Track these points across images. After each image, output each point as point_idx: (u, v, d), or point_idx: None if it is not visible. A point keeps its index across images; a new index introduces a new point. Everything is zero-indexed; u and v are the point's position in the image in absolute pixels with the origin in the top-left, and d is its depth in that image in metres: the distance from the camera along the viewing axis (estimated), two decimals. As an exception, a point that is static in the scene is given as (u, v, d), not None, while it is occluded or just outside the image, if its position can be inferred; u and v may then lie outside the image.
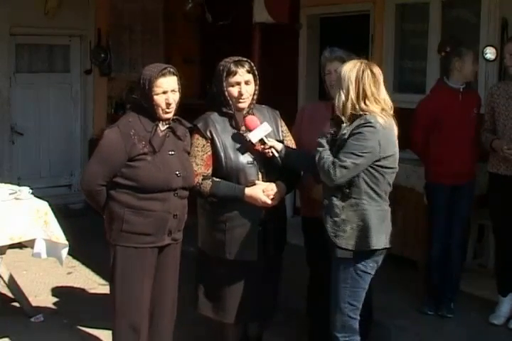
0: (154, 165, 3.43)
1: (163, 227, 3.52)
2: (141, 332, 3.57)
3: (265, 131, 3.58)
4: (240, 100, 3.64)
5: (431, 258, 4.98)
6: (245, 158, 3.63)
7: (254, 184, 3.61)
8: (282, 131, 3.82)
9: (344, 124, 3.35)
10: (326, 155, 3.33)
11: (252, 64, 3.69)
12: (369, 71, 3.32)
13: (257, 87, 3.69)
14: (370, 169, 3.31)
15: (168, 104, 3.46)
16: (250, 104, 3.69)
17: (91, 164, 3.54)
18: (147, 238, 3.49)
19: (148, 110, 3.47)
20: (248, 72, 3.64)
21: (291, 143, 3.83)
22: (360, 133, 3.26)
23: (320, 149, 3.38)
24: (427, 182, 5.01)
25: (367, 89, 3.31)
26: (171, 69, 3.49)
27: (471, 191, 4.96)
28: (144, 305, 3.57)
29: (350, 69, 3.32)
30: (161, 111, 3.47)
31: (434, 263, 4.95)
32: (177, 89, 3.50)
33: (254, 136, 3.56)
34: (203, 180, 3.62)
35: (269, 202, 3.59)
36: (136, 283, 3.52)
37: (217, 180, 3.63)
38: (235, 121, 3.66)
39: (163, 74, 3.44)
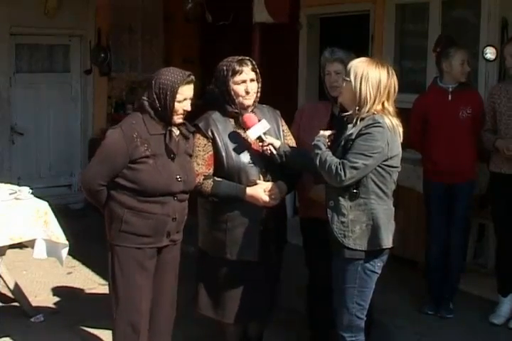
0: (155, 169, 3.42)
1: (162, 230, 3.52)
2: (141, 331, 3.57)
3: (264, 128, 3.58)
4: (246, 97, 3.65)
5: (429, 258, 4.98)
6: (246, 158, 3.63)
7: (256, 184, 3.61)
8: (283, 131, 3.82)
9: (350, 124, 3.34)
10: (329, 156, 3.30)
11: (254, 62, 3.71)
12: (395, 74, 3.34)
13: (260, 85, 3.70)
14: (378, 168, 3.30)
15: (184, 111, 3.48)
16: (254, 101, 3.70)
17: (93, 163, 3.53)
18: (145, 239, 3.49)
19: (161, 114, 3.46)
20: (252, 70, 3.66)
21: (291, 142, 3.82)
22: (369, 133, 3.24)
23: (319, 152, 3.35)
24: (424, 181, 5.03)
25: (391, 92, 3.32)
26: (193, 77, 3.50)
27: (469, 191, 4.93)
28: (143, 305, 3.56)
29: (381, 71, 3.29)
30: (175, 117, 3.48)
31: (432, 263, 4.95)
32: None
33: (252, 133, 3.56)
34: (204, 179, 3.62)
35: (271, 201, 3.60)
36: (134, 282, 3.52)
37: (219, 179, 3.62)
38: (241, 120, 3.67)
39: (188, 82, 3.47)
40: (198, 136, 3.68)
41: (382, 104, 3.31)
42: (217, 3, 7.89)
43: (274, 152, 3.58)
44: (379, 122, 3.26)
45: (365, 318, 3.45)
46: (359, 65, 3.33)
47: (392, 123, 3.31)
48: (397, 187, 3.48)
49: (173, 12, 8.75)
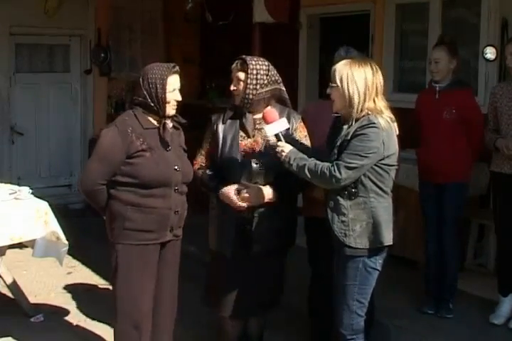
0: (153, 161, 3.46)
1: (165, 224, 3.53)
2: (143, 330, 3.57)
3: (282, 126, 3.48)
4: (235, 97, 3.73)
5: (426, 258, 4.98)
6: (237, 158, 3.65)
7: (237, 183, 3.62)
8: (294, 136, 3.77)
9: (346, 125, 3.33)
10: (317, 162, 3.31)
11: (244, 61, 3.68)
12: (378, 68, 3.35)
13: (250, 86, 3.64)
14: (375, 167, 3.31)
15: (177, 101, 3.53)
16: (246, 103, 3.67)
17: (90, 163, 3.56)
18: (150, 235, 3.50)
19: (154, 108, 3.49)
20: (239, 70, 3.69)
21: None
22: (364, 134, 3.25)
23: (305, 163, 3.32)
24: (419, 180, 5.04)
25: (378, 87, 3.32)
26: (178, 68, 3.57)
27: (457, 192, 4.83)
28: (145, 304, 3.56)
29: (365, 70, 3.29)
30: (168, 108, 3.52)
31: (429, 263, 4.95)
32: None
33: (270, 130, 3.46)
34: (198, 169, 3.74)
35: (240, 203, 3.59)
36: (137, 281, 3.53)
37: (208, 173, 3.72)
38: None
39: (174, 72, 3.52)
40: (207, 128, 3.79)
41: (373, 100, 3.31)
42: (217, 3, 7.89)
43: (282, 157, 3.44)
44: (374, 123, 3.26)
45: (364, 316, 3.46)
46: (342, 68, 3.34)
47: (388, 122, 3.31)
48: (397, 187, 3.49)
49: (173, 12, 8.75)
